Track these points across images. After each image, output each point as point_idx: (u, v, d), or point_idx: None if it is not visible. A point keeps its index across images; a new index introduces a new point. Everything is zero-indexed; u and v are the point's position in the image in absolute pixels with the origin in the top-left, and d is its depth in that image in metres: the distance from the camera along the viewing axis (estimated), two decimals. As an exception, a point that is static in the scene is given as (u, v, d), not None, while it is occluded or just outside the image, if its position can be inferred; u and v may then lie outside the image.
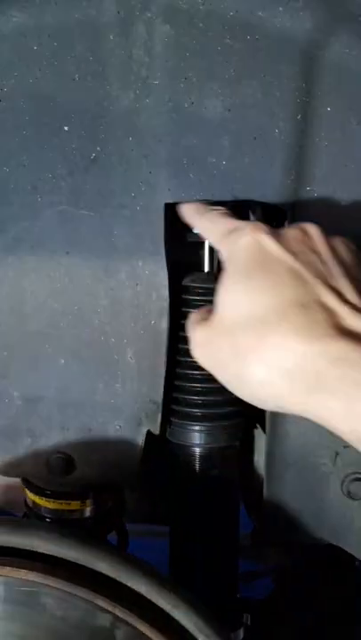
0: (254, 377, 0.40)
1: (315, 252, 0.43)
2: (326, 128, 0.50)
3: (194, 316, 0.48)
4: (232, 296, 0.42)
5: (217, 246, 0.47)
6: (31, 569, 0.40)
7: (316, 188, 0.52)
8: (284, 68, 0.49)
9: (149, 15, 0.48)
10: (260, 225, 0.44)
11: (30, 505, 0.69)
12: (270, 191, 0.52)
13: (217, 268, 0.59)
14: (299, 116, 0.50)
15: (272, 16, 0.47)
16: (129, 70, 0.50)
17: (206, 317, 0.46)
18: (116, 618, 0.40)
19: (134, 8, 0.48)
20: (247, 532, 0.77)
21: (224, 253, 0.45)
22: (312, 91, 0.49)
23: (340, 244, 0.45)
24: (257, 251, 0.42)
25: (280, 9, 0.47)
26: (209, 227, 0.49)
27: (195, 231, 0.55)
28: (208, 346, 0.44)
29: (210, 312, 0.46)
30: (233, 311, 0.42)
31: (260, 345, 0.39)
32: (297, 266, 0.41)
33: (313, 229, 0.44)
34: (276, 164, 0.51)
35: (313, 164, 0.51)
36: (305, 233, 0.44)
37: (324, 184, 0.51)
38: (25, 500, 0.71)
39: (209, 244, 0.58)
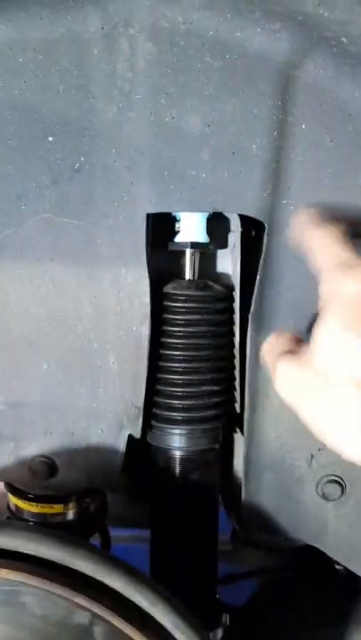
0: (342, 431, 0.41)
1: None
2: (301, 145, 0.52)
3: (277, 344, 0.47)
4: (337, 344, 0.41)
5: (321, 275, 0.45)
6: (12, 568, 0.41)
7: (292, 202, 0.54)
8: (262, 87, 0.51)
9: (132, 32, 0.50)
10: None
11: (13, 509, 0.70)
12: (248, 204, 0.54)
13: (198, 275, 0.60)
14: (275, 133, 0.52)
15: (250, 37, 0.49)
16: (112, 84, 0.52)
17: (293, 350, 0.45)
18: (95, 615, 0.42)
19: (118, 25, 0.50)
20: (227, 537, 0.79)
21: (325, 287, 0.44)
22: (288, 109, 0.51)
23: None
24: None
25: (258, 30, 0.49)
26: (318, 251, 0.46)
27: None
28: (299, 383, 0.44)
29: (296, 342, 0.46)
30: (336, 360, 0.41)
31: (354, 404, 0.40)
32: None
33: None
34: (253, 177, 0.53)
35: (288, 179, 0.53)
36: None
37: (299, 198, 0.53)
38: (8, 505, 0.71)
39: (190, 252, 0.59)
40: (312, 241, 0.47)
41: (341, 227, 0.46)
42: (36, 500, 0.67)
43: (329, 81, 0.51)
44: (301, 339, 0.48)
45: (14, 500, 0.69)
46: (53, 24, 0.51)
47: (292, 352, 0.46)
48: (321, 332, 0.42)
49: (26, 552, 0.43)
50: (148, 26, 0.50)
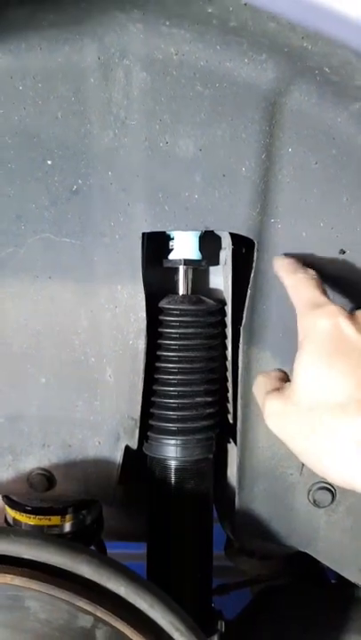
0: (332, 458, 0.43)
1: None
2: (288, 167, 0.55)
3: (264, 383, 0.52)
4: (314, 377, 0.45)
5: (297, 312, 0.51)
6: (16, 574, 0.43)
7: (280, 220, 0.56)
8: (250, 113, 0.54)
9: (127, 62, 0.53)
10: (339, 309, 0.47)
11: (11, 522, 0.71)
12: (238, 223, 0.57)
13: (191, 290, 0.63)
14: (263, 156, 0.55)
15: (239, 67, 0.53)
16: (108, 111, 0.54)
17: (278, 387, 0.50)
18: (97, 618, 0.43)
19: (113, 55, 0.53)
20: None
21: (302, 325, 0.49)
22: (275, 133, 0.54)
23: None
24: (336, 336, 0.46)
25: (246, 60, 0.52)
26: (293, 291, 0.52)
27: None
28: (285, 418, 0.47)
29: (281, 380, 0.50)
30: (314, 392, 0.45)
31: (341, 428, 0.43)
32: None
33: None
34: (243, 198, 0.56)
35: (276, 199, 0.56)
36: None
37: (287, 217, 0.56)
38: (5, 517, 0.72)
39: (184, 269, 0.62)
40: (290, 281, 0.53)
41: (312, 271, 0.52)
42: (34, 512, 0.68)
43: (313, 107, 0.54)
44: (286, 375, 0.52)
45: (12, 513, 0.70)
46: (52, 54, 0.53)
47: (278, 389, 0.50)
48: (299, 367, 0.47)
49: (29, 558, 0.44)
50: (143, 57, 0.52)
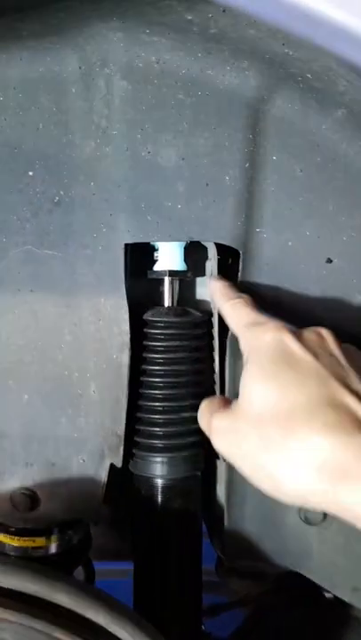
0: (282, 470, 0.42)
1: (332, 355, 0.46)
2: (272, 175, 0.54)
3: (208, 405, 0.51)
4: (259, 390, 0.45)
5: (237, 334, 0.51)
6: (-8, 603, 0.41)
7: (265, 230, 0.55)
8: (233, 121, 0.53)
9: (108, 71, 0.52)
10: (282, 324, 0.48)
11: (-6, 543, 0.68)
12: (223, 233, 0.56)
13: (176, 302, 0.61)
14: (247, 165, 0.54)
15: (220, 74, 0.52)
16: (90, 121, 0.54)
17: (224, 406, 0.48)
18: (75, 649, 0.41)
19: (94, 65, 0.52)
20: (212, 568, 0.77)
21: (245, 344, 0.49)
22: (259, 141, 0.53)
23: (350, 348, 0.49)
24: (281, 349, 0.46)
25: (228, 68, 0.52)
26: (231, 314, 0.52)
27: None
28: (231, 434, 0.46)
29: (225, 402, 0.49)
30: (261, 404, 0.44)
31: (289, 439, 0.42)
32: (320, 368, 0.44)
33: (327, 334, 0.48)
34: (227, 207, 0.55)
35: (261, 208, 0.55)
36: (320, 336, 0.48)
37: (272, 226, 0.55)
38: (-12, 539, 0.70)
39: (169, 280, 0.61)
40: (226, 308, 0.53)
41: (246, 295, 0.53)
42: (18, 533, 0.66)
43: (297, 114, 0.53)
44: (230, 400, 0.51)
45: (-5, 535, 0.68)
46: (32, 64, 0.53)
47: (224, 409, 0.48)
48: (244, 382, 0.46)
49: (3, 586, 0.42)
50: (124, 65, 0.52)
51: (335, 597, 0.64)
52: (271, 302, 0.55)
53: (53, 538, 0.67)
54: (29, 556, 0.66)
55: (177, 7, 0.46)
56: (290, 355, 0.45)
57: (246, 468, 0.45)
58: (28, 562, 0.47)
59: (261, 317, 0.50)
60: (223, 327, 0.60)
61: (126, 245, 0.56)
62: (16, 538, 0.66)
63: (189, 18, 0.47)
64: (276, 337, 0.46)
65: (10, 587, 0.42)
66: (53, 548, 0.67)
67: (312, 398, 0.42)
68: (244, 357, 0.48)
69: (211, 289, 0.57)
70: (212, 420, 0.48)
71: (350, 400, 0.42)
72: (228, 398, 0.51)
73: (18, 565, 0.44)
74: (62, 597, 0.42)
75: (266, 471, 0.43)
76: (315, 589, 0.77)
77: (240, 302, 0.52)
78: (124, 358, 0.57)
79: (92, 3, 0.48)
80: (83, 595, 0.42)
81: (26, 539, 0.66)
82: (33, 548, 0.66)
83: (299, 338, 0.46)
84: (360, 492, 0.39)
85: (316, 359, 0.45)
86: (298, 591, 0.78)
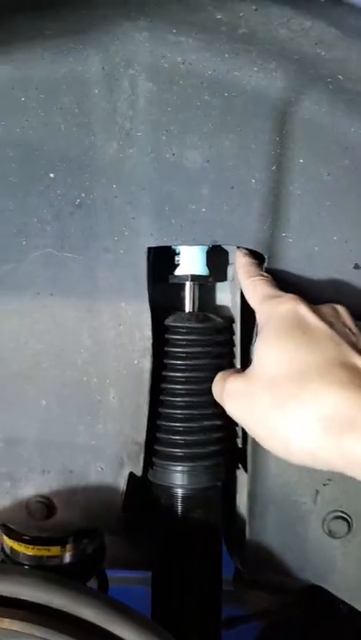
0: (293, 429, 0.43)
1: (345, 325, 0.48)
2: (299, 178, 0.53)
3: (222, 374, 0.52)
4: (273, 352, 0.46)
5: (255, 307, 0.52)
6: (14, 617, 0.39)
7: (291, 234, 0.54)
8: (259, 123, 0.52)
9: (133, 72, 0.51)
10: (299, 298, 0.49)
11: (8, 552, 0.67)
12: (248, 237, 0.54)
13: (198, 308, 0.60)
14: (273, 167, 0.53)
15: (247, 75, 0.51)
16: (113, 122, 0.53)
17: (239, 372, 0.50)
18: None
19: (118, 65, 0.51)
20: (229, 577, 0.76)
21: (262, 315, 0.50)
22: (285, 144, 0.52)
23: None
24: (296, 317, 0.47)
25: (255, 69, 0.51)
26: (251, 289, 0.53)
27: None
28: (244, 397, 0.48)
29: (239, 371, 0.50)
30: (274, 365, 0.45)
31: (300, 393, 0.43)
32: (333, 333, 0.46)
33: (342, 309, 0.50)
34: (252, 211, 0.54)
35: (287, 212, 0.54)
36: (335, 310, 0.50)
37: (298, 230, 0.54)
38: (2, 547, 0.69)
39: (190, 285, 0.59)
40: (247, 283, 0.54)
41: (268, 275, 0.54)
42: (33, 542, 0.65)
43: (325, 116, 0.52)
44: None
45: (9, 543, 0.67)
46: (55, 64, 0.52)
47: (238, 373, 0.50)
48: (259, 347, 0.47)
49: (29, 600, 0.40)
50: (149, 66, 0.51)
51: (353, 610, 0.62)
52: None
53: (68, 547, 0.66)
54: (44, 565, 0.65)
55: (207, 5, 0.45)
56: (304, 322, 0.47)
57: (259, 429, 0.46)
58: (53, 574, 0.46)
59: (279, 292, 0.51)
60: (245, 333, 0.59)
61: (149, 249, 0.55)
62: (30, 546, 0.65)
63: (219, 17, 0.46)
64: (292, 307, 0.48)
65: (35, 600, 0.41)
66: (68, 558, 0.66)
67: (325, 359, 0.44)
68: (259, 328, 0.49)
69: (236, 264, 0.56)
70: (226, 385, 0.50)
71: None
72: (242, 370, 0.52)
73: (43, 578, 0.42)
74: (89, 613, 0.40)
75: (278, 432, 0.44)
76: (332, 603, 0.75)
77: (261, 279, 0.53)
78: (146, 364, 0.56)
79: (119, 1, 0.48)
80: (111, 610, 0.41)
81: (40, 547, 0.65)
82: (48, 557, 0.65)
83: (313, 309, 0.48)
84: None
85: (331, 327, 0.46)
86: (315, 605, 0.76)
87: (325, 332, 0.46)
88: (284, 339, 0.46)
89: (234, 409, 0.49)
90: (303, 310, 0.47)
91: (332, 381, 0.42)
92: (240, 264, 0.56)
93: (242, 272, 0.55)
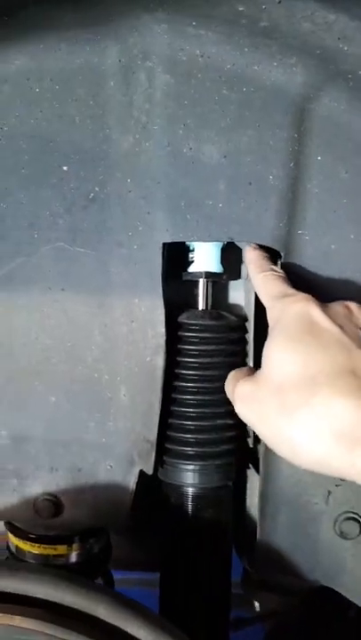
0: (301, 434, 0.42)
1: (358, 326, 0.47)
2: (317, 176, 0.52)
3: (235, 373, 0.52)
4: (282, 356, 0.45)
5: (266, 304, 0.51)
6: (26, 615, 0.38)
7: (308, 232, 0.54)
8: (278, 119, 0.51)
9: (150, 65, 0.51)
10: (310, 297, 0.48)
11: (13, 550, 0.66)
12: (264, 233, 0.54)
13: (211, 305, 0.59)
14: (291, 164, 0.52)
15: (267, 70, 0.50)
16: (129, 115, 0.52)
17: (250, 374, 0.49)
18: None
19: (136, 57, 0.50)
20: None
21: (272, 314, 0.49)
22: (304, 140, 0.52)
23: None
24: (307, 319, 0.46)
25: (274, 64, 0.50)
26: (262, 285, 0.52)
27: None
28: (253, 400, 0.47)
29: (252, 371, 0.50)
30: (283, 369, 0.44)
31: (310, 401, 0.42)
32: (344, 338, 0.45)
33: (356, 307, 0.49)
34: (269, 208, 0.53)
35: (304, 209, 0.53)
36: (348, 309, 0.48)
37: (315, 228, 0.53)
38: (7, 545, 0.68)
39: (204, 282, 0.59)
40: (258, 279, 0.53)
41: (280, 269, 0.53)
42: (39, 540, 0.64)
43: (343, 114, 0.51)
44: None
45: (15, 541, 0.66)
46: (71, 55, 0.51)
47: (248, 377, 0.50)
48: (268, 350, 0.47)
49: (41, 597, 0.40)
50: (166, 59, 0.50)
51: (359, 614, 0.62)
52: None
53: (75, 546, 0.65)
54: (50, 564, 0.65)
55: (230, -3, 0.45)
56: (315, 325, 0.46)
57: (267, 434, 0.46)
58: (64, 572, 0.45)
59: (291, 290, 0.50)
60: (259, 332, 0.58)
61: (164, 245, 0.54)
62: (36, 545, 0.64)
63: (241, 9, 0.46)
64: (303, 308, 0.47)
65: (47, 598, 0.40)
66: (74, 557, 0.66)
67: (335, 366, 0.43)
68: (270, 327, 0.48)
69: (246, 258, 0.55)
70: (236, 387, 0.49)
71: None
72: (255, 369, 0.51)
73: (55, 576, 0.41)
74: (102, 611, 0.40)
75: (285, 436, 0.43)
76: (340, 605, 0.75)
77: (272, 275, 0.52)
78: (159, 361, 0.55)
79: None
80: (123, 608, 0.40)
81: (46, 546, 0.64)
82: (54, 556, 0.65)
83: (325, 310, 0.47)
84: None
85: (342, 330, 0.45)
86: (322, 607, 0.76)
87: (336, 337, 0.45)
88: (293, 342, 0.45)
89: (243, 411, 0.48)
90: (315, 312, 0.46)
91: (341, 390, 0.41)
92: (250, 258, 0.55)
93: (253, 267, 0.54)
